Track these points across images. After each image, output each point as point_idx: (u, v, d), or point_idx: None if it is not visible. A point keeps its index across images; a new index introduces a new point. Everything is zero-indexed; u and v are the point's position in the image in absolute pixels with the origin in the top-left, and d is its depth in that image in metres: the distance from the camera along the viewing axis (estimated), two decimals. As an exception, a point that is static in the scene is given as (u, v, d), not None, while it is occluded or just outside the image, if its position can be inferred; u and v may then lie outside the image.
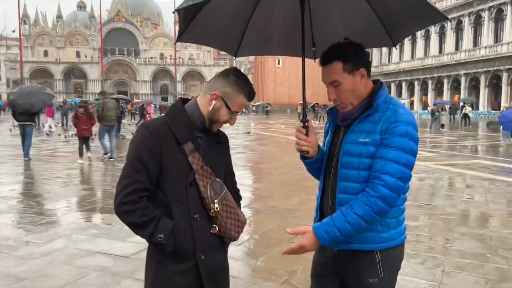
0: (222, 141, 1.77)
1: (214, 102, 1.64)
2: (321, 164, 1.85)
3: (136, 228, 1.56)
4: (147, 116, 24.18)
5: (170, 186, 1.58)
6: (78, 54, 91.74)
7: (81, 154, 11.07)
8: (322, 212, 1.84)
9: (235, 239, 1.71)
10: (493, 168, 10.42)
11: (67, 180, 8.77)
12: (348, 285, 1.79)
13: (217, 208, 1.60)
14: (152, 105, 40.78)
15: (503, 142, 15.49)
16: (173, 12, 1.67)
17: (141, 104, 30.73)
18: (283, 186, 8.05)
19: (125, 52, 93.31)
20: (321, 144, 1.90)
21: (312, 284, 1.92)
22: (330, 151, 1.82)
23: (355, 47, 1.69)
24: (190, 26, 1.87)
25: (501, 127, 15.60)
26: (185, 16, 1.81)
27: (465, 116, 28.36)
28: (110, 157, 11.39)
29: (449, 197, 7.19)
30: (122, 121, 20.69)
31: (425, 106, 48.84)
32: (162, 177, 1.58)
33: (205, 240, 1.61)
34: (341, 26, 2.05)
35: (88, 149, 11.37)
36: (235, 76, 1.66)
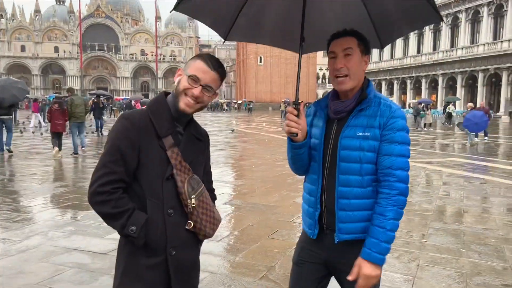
0: (202, 139, 1.75)
1: (177, 78, 1.66)
2: (307, 154, 1.84)
3: (109, 218, 1.54)
4: None
5: (147, 179, 1.56)
6: (56, 49, 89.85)
7: (54, 146, 11.35)
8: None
9: (210, 236, 1.69)
10: (468, 166, 10.68)
11: (44, 176, 8.63)
12: (340, 274, 1.82)
13: (193, 203, 1.59)
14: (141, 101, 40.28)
15: (468, 141, 15.86)
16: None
17: (129, 100, 30.90)
18: (263, 183, 8.08)
19: (105, 48, 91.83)
20: None
21: (295, 270, 1.94)
22: (324, 145, 1.82)
23: (367, 39, 1.80)
24: None
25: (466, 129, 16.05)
26: None
27: (449, 115, 28.91)
28: (75, 153, 11.61)
29: (425, 193, 7.34)
30: (104, 117, 20.48)
31: (404, 105, 49.52)
32: (139, 169, 1.56)
33: (178, 235, 1.60)
34: (333, 23, 2.04)
35: (59, 145, 11.32)
36: (198, 54, 1.69)
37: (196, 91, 1.59)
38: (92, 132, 18.55)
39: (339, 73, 1.75)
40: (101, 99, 20.46)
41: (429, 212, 6.04)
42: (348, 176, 1.74)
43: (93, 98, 20.63)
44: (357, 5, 1.93)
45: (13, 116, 13.00)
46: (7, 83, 11.99)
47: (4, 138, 11.58)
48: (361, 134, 1.72)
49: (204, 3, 1.98)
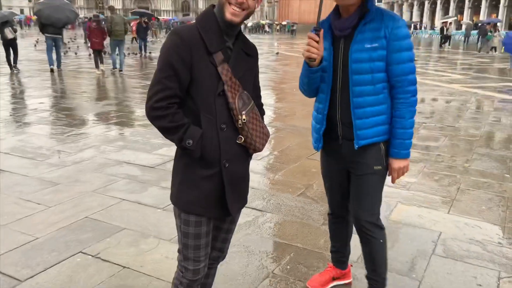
0: (252, 54, 1.74)
1: None
2: (323, 75, 1.96)
3: (167, 132, 1.60)
4: None
5: (199, 95, 1.59)
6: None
7: (97, 66, 12.02)
8: (330, 120, 2.01)
9: (260, 150, 1.73)
10: (524, 92, 10.08)
11: (92, 94, 8.99)
12: (355, 173, 2.05)
13: (244, 119, 1.62)
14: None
15: (510, 65, 14.81)
16: None
17: (182, 22, 31.47)
18: (303, 106, 8.02)
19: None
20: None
21: (326, 178, 2.26)
22: (333, 64, 1.93)
23: None
24: None
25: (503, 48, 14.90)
26: None
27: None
28: (120, 70, 12.30)
29: (474, 119, 7.08)
30: (148, 38, 20.30)
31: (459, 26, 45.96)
32: (192, 85, 1.58)
33: (231, 149, 1.65)
34: None
35: (101, 61, 12.12)
36: None
37: None
38: (135, 53, 18.47)
39: None
40: (144, 19, 20.10)
41: (475, 138, 5.87)
42: (362, 87, 1.88)
43: (136, 18, 20.76)
44: None
45: (62, 36, 13.59)
46: (61, 4, 12.38)
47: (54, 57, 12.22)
48: (369, 46, 1.83)
49: None
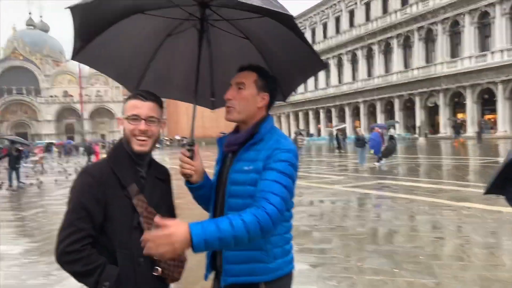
0: (165, 178, 1.76)
1: (121, 126, 1.66)
2: (209, 194, 1.84)
3: (81, 277, 1.50)
4: (94, 156, 23.74)
5: (114, 231, 1.54)
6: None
7: None
8: None
9: (177, 279, 1.68)
10: (394, 187, 11.29)
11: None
12: None
13: None
14: (100, 144, 38.75)
15: (361, 164, 17.07)
16: (66, 8, 1.51)
17: (88, 143, 30.42)
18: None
19: (24, 91, 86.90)
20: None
21: None
22: (218, 180, 1.81)
23: (273, 77, 1.84)
24: (89, 46, 1.76)
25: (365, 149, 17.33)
26: (82, 27, 1.67)
27: (391, 137, 30.08)
28: None
29: (358, 217, 7.62)
30: (22, 165, 17.90)
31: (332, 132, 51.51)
32: (106, 222, 1.54)
33: (148, 283, 1.58)
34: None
35: None
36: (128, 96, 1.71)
37: (142, 126, 1.60)
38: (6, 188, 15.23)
39: (227, 103, 1.77)
40: (16, 146, 16.88)
41: (363, 235, 6.26)
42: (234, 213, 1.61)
43: (4, 146, 19.03)
44: (259, 63, 1.96)
45: None
46: None
47: None
48: (246, 168, 1.67)
49: (108, 54, 1.90)
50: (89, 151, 26.17)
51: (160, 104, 1.68)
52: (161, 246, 1.32)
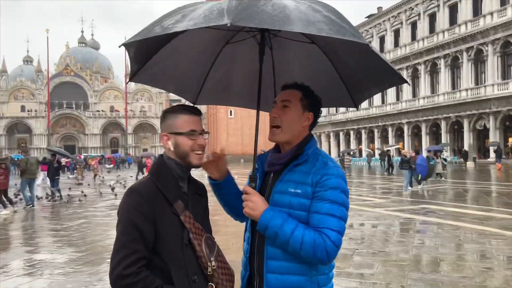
0: (203, 193, 1.74)
1: (169, 142, 1.61)
2: (231, 198, 1.85)
3: None
4: (145, 169, 24.81)
5: (166, 250, 1.51)
6: (23, 108, 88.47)
7: (4, 206, 12.05)
8: (251, 267, 1.73)
9: None
10: (440, 213, 10.84)
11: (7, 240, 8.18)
12: None
13: (214, 265, 1.55)
14: (152, 158, 40.44)
15: (405, 190, 16.17)
16: (120, 46, 1.54)
17: (140, 157, 32.14)
18: (239, 238, 7.90)
19: (74, 106, 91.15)
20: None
21: None
22: None
23: (317, 97, 1.77)
24: (146, 66, 1.77)
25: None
26: (137, 54, 1.72)
27: (428, 159, 29.11)
28: (32, 206, 13.18)
29: (401, 243, 7.34)
30: (68, 177, 18.89)
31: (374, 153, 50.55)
32: (158, 241, 1.50)
33: None
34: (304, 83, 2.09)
35: (10, 201, 12.36)
36: (167, 110, 1.68)
37: (201, 140, 1.61)
38: (48, 199, 15.54)
39: (272, 122, 1.72)
40: (58, 158, 17.50)
41: (406, 262, 6.01)
42: None
43: (46, 157, 19.74)
44: (327, 69, 1.96)
45: None
46: None
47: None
48: (292, 190, 1.62)
49: (165, 70, 1.92)
50: (141, 164, 26.80)
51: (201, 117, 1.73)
52: (255, 207, 1.59)
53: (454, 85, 43.49)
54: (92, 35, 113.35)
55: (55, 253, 7.02)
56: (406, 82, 1.80)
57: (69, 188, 18.43)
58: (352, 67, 1.90)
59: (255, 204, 1.60)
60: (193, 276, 1.52)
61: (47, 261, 6.44)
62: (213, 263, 1.56)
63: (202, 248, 1.55)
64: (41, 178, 21.12)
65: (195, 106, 1.71)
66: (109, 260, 1.49)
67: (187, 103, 1.90)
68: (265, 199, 1.67)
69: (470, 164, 34.65)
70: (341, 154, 35.42)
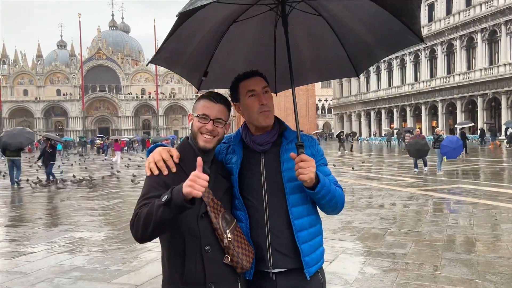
0: (227, 176, 1.82)
1: (190, 123, 1.79)
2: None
3: (148, 223, 1.51)
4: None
5: (182, 218, 1.59)
6: (58, 92, 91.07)
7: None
8: (255, 246, 1.77)
9: (247, 268, 1.71)
10: (476, 192, 10.56)
11: (48, 221, 8.56)
12: None
13: (229, 237, 1.64)
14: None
15: (439, 169, 15.71)
16: (177, 16, 1.54)
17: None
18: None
19: (106, 89, 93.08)
20: None
21: None
22: (254, 180, 1.79)
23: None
24: (162, 47, 1.78)
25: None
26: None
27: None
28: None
29: (434, 223, 7.22)
30: (53, 162, 16.29)
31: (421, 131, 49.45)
32: None
33: (217, 271, 1.65)
34: (308, 58, 2.14)
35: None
36: (200, 95, 1.85)
37: (209, 126, 1.72)
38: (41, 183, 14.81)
39: (264, 108, 1.79)
40: (51, 141, 16.29)
41: (440, 242, 5.92)
42: (300, 207, 1.77)
43: (41, 141, 19.97)
44: (331, 39, 2.00)
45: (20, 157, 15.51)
46: (19, 132, 15.70)
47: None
48: None
49: (175, 54, 1.91)
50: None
51: (229, 108, 1.80)
52: (311, 170, 1.64)
53: (492, 60, 41.71)
54: (122, 18, 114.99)
55: (93, 231, 7.31)
56: (423, 41, 1.85)
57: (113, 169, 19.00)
58: (359, 33, 1.94)
59: (314, 168, 1.67)
60: (206, 246, 1.63)
61: (86, 239, 6.72)
62: (229, 235, 1.65)
63: (218, 221, 1.65)
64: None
65: (223, 95, 1.79)
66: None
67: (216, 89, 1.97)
68: (262, 177, 1.78)
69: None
70: (398, 132, 35.85)
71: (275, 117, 1.87)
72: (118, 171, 19.04)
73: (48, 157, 15.71)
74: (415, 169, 15.74)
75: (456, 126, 34.51)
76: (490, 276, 4.45)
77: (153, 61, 1.86)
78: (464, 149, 21.53)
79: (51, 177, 15.47)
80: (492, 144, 28.81)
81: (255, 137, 1.83)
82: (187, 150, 1.75)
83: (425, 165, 16.02)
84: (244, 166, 1.81)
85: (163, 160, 1.68)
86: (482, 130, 37.52)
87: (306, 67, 2.19)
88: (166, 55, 1.86)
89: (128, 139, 44.85)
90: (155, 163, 1.67)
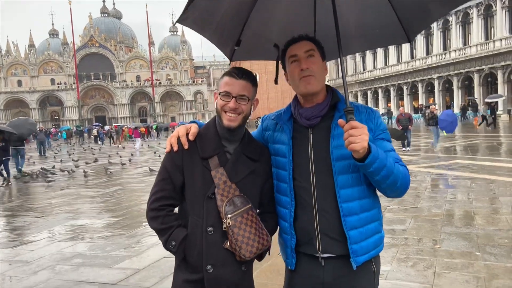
0: (255, 157, 1.70)
1: (215, 102, 1.73)
2: (280, 174, 1.70)
3: (158, 233, 1.67)
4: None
5: (191, 198, 1.66)
6: (53, 81, 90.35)
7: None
8: (302, 231, 1.65)
9: (246, 258, 1.61)
10: (473, 167, 10.60)
11: (48, 209, 8.57)
12: None
13: (229, 223, 1.59)
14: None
15: (434, 144, 15.69)
16: None
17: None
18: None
19: (101, 77, 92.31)
20: None
21: None
22: (300, 159, 1.65)
23: (322, 47, 1.71)
24: (189, 4, 1.57)
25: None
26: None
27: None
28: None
29: (433, 198, 7.26)
30: (8, 158, 13.52)
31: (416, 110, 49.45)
32: (186, 188, 1.67)
33: (217, 254, 1.60)
34: (352, 23, 1.90)
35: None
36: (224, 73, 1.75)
37: (231, 103, 1.64)
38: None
39: (305, 73, 1.62)
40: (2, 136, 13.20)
41: (439, 217, 5.96)
42: (349, 189, 1.58)
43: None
44: (380, 4, 1.78)
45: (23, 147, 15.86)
46: (21, 123, 16.04)
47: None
48: None
49: (203, 15, 1.71)
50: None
51: (253, 83, 1.69)
52: (363, 138, 1.41)
53: (488, 35, 41.46)
54: (114, 4, 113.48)
55: (94, 218, 7.32)
56: None
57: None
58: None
59: (367, 136, 1.44)
60: (208, 227, 1.61)
61: (87, 226, 6.73)
62: (229, 221, 1.58)
63: (222, 204, 1.60)
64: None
65: (246, 70, 1.69)
66: (146, 223, 1.64)
67: (212, 73, 1.83)
68: (313, 158, 1.62)
69: (504, 117, 33.51)
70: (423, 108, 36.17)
71: (328, 86, 1.71)
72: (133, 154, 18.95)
73: (1, 153, 12.84)
74: (404, 149, 15.79)
75: (486, 100, 33.76)
76: (490, 249, 4.48)
77: (181, 21, 1.62)
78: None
79: (4, 174, 13.09)
80: (476, 119, 29.01)
81: (302, 110, 1.66)
82: (209, 128, 1.72)
83: (408, 145, 16.11)
84: (293, 142, 1.66)
85: (178, 137, 1.69)
86: (464, 106, 37.66)
87: (351, 33, 1.92)
88: (195, 15, 1.64)
89: (145, 127, 45.39)
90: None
